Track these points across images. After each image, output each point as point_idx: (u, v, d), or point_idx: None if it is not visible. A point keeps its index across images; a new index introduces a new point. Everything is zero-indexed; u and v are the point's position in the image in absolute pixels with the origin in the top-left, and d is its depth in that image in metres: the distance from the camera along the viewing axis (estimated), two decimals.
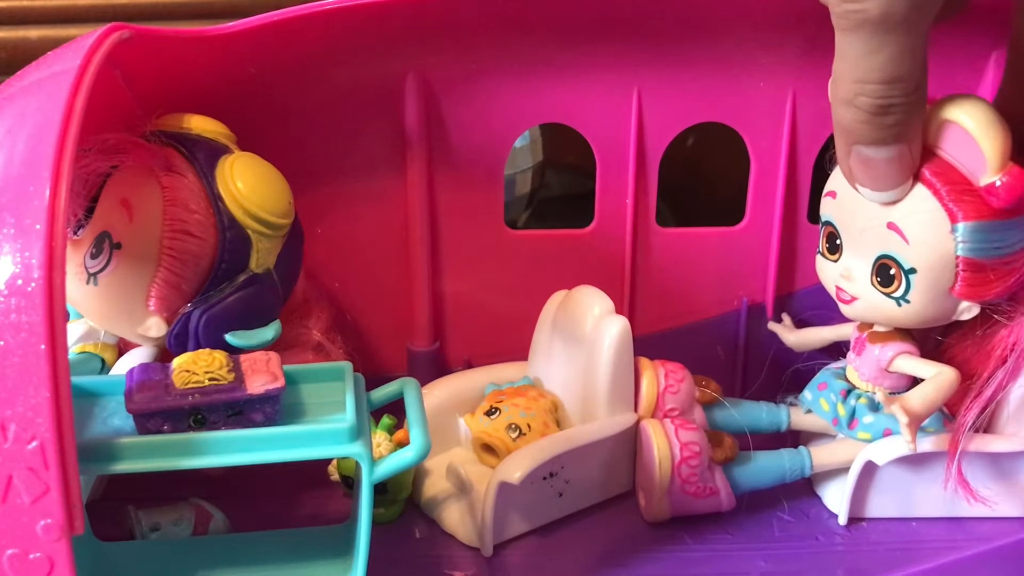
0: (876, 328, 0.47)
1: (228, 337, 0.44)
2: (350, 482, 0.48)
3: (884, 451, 0.46)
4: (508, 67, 0.51)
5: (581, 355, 0.49)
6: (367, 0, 0.46)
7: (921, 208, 0.43)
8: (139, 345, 0.46)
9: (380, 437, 0.48)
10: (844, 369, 0.49)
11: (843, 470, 0.48)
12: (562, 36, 0.51)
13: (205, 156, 0.44)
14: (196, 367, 0.37)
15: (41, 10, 0.69)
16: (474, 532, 0.47)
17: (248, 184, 0.44)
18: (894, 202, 0.43)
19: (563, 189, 0.76)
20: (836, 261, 0.47)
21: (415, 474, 0.49)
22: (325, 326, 0.50)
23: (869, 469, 0.47)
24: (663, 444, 0.47)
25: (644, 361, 0.50)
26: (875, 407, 0.48)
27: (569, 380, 0.51)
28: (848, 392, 0.48)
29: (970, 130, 0.41)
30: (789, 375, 0.53)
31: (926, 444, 0.46)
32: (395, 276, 0.55)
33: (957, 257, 0.43)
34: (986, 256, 0.42)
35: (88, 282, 0.43)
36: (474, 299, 0.56)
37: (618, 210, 0.55)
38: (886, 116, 0.39)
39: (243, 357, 0.39)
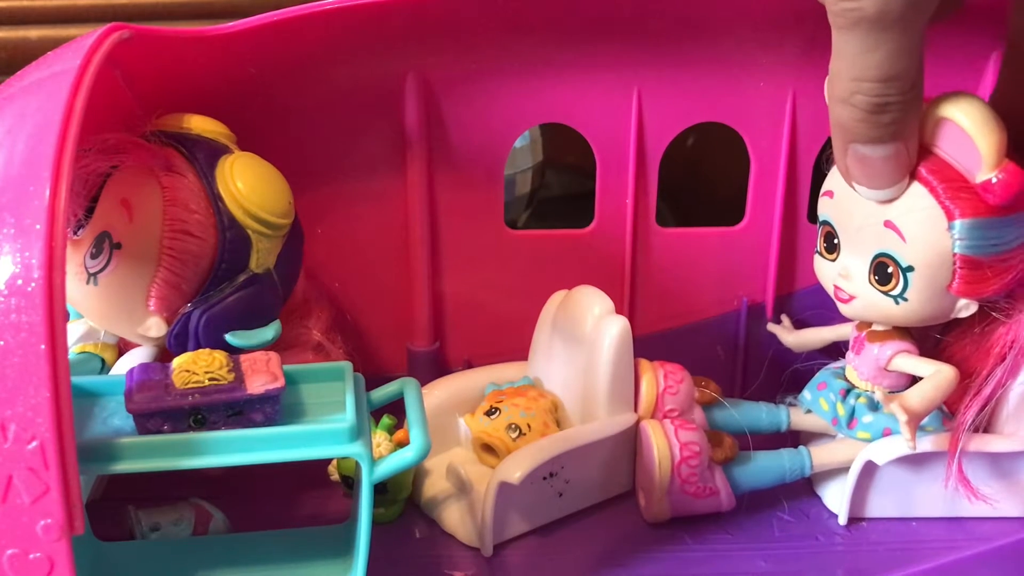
0: (875, 327, 0.47)
1: (228, 337, 0.44)
2: (350, 482, 0.48)
3: (884, 451, 0.46)
4: (508, 67, 0.51)
5: (581, 355, 0.49)
6: (367, 0, 0.46)
7: (918, 206, 0.43)
8: (139, 345, 0.46)
9: (380, 437, 0.48)
10: (843, 369, 0.49)
11: (843, 470, 0.48)
12: (562, 36, 0.51)
13: (205, 156, 0.44)
14: (196, 367, 0.37)
15: (41, 10, 0.69)
16: (474, 532, 0.47)
17: (248, 184, 0.44)
18: (891, 200, 0.43)
19: (563, 189, 0.76)
20: (834, 260, 0.47)
21: (415, 474, 0.49)
22: (325, 326, 0.50)
23: (869, 469, 0.47)
24: (663, 444, 0.47)
25: (643, 362, 0.50)
26: (874, 406, 0.48)
27: (569, 380, 0.51)
28: (847, 392, 0.48)
29: (966, 128, 0.41)
30: (788, 375, 0.53)
31: (926, 443, 0.46)
32: (395, 276, 0.55)
33: (954, 254, 0.43)
34: (983, 253, 0.42)
35: (88, 282, 0.43)
36: (474, 299, 0.56)
37: (618, 210, 0.55)
38: (883, 114, 0.39)
39: (243, 357, 0.39)
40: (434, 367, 0.56)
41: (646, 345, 0.52)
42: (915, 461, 0.47)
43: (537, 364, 0.53)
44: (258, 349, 0.42)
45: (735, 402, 0.52)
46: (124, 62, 0.43)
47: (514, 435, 0.48)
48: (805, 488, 0.51)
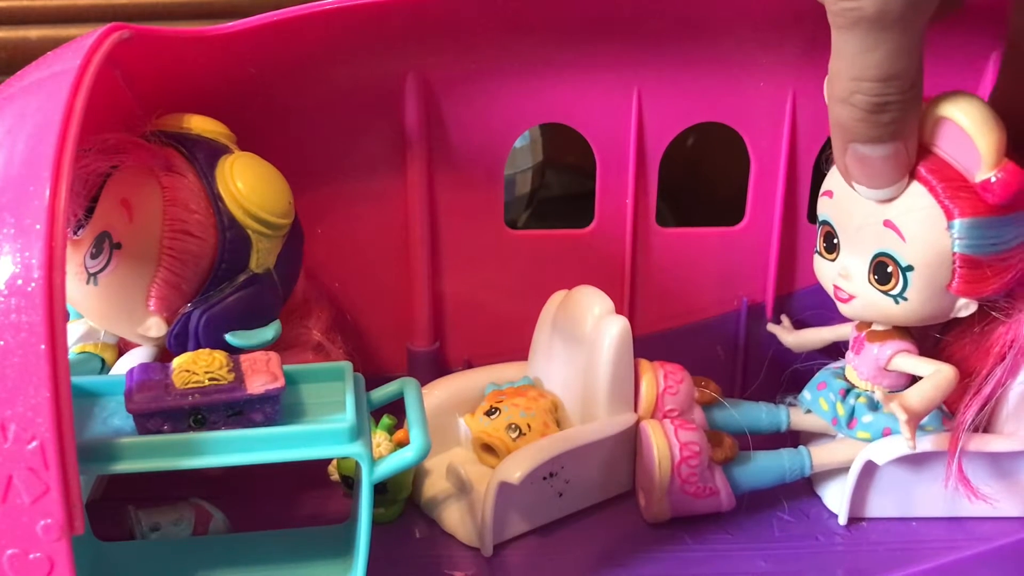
0: (874, 327, 0.47)
1: (228, 337, 0.44)
2: (350, 482, 0.48)
3: (884, 451, 0.46)
4: (508, 67, 0.51)
5: (581, 355, 0.49)
6: (367, 0, 0.46)
7: (917, 205, 0.43)
8: (139, 345, 0.46)
9: (380, 437, 0.48)
10: (843, 369, 0.49)
11: (843, 470, 0.48)
12: (562, 36, 0.51)
13: (205, 156, 0.44)
14: (196, 367, 0.37)
15: (41, 10, 0.69)
16: (474, 532, 0.47)
17: (248, 184, 0.44)
18: (890, 200, 0.43)
19: (563, 189, 0.76)
20: (834, 260, 0.47)
21: (415, 474, 0.49)
22: (325, 326, 0.50)
23: (869, 469, 0.47)
24: (663, 444, 0.47)
25: (643, 363, 0.50)
26: (874, 406, 0.48)
27: (569, 380, 0.51)
28: (847, 391, 0.48)
29: (965, 127, 0.41)
30: (788, 375, 0.53)
31: (926, 443, 0.46)
32: (395, 276, 0.55)
33: (954, 254, 0.43)
34: (983, 252, 0.42)
35: (88, 282, 0.43)
36: (474, 299, 0.56)
37: (618, 210, 0.55)
38: (882, 114, 0.39)
39: (243, 357, 0.39)
40: (434, 367, 0.56)
41: (646, 345, 0.52)
42: (915, 461, 0.47)
43: (537, 364, 0.53)
44: (258, 349, 0.42)
45: (735, 402, 0.52)
46: (124, 62, 0.43)
47: (514, 435, 0.48)
48: (805, 488, 0.51)
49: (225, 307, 0.44)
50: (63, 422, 0.32)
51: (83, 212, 0.44)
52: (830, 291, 0.47)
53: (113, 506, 0.46)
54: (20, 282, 0.31)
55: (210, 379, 0.37)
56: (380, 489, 0.47)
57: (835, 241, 0.46)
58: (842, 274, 0.46)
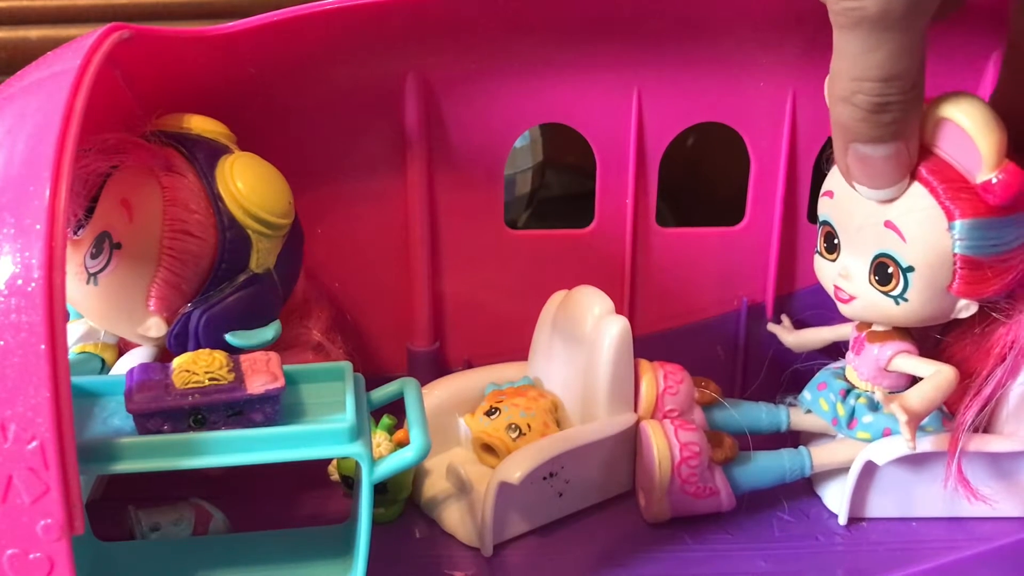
0: (875, 327, 0.47)
1: (228, 337, 0.44)
2: (350, 482, 0.48)
3: (884, 451, 0.46)
4: (508, 67, 0.51)
5: (581, 355, 0.49)
6: (367, 0, 0.46)
7: (918, 206, 0.43)
8: (139, 345, 0.46)
9: (380, 437, 0.48)
10: (843, 369, 0.49)
11: (843, 470, 0.48)
12: (562, 36, 0.51)
13: (205, 156, 0.44)
14: (196, 367, 0.37)
15: (41, 10, 0.69)
16: (474, 532, 0.47)
17: (248, 184, 0.44)
18: (891, 200, 0.43)
19: (563, 189, 0.76)
20: (834, 260, 0.47)
21: (415, 474, 0.49)
22: (325, 326, 0.50)
23: (869, 469, 0.47)
24: (663, 444, 0.47)
25: (643, 363, 0.50)
26: (874, 407, 0.48)
27: (569, 380, 0.51)
28: (847, 392, 0.48)
29: (966, 128, 0.41)
30: (788, 375, 0.53)
31: (926, 444, 0.46)
32: (395, 276, 0.55)
33: (954, 255, 0.43)
34: (983, 253, 0.42)
35: (88, 282, 0.43)
36: (474, 299, 0.56)
37: (618, 210, 0.55)
38: (883, 114, 0.39)
39: (243, 357, 0.39)
40: (434, 367, 0.56)
41: (646, 345, 0.52)
42: (915, 461, 0.47)
43: (537, 364, 0.53)
44: (258, 349, 0.42)
45: (735, 402, 0.52)
46: (124, 62, 0.43)
47: (514, 435, 0.48)
48: (805, 488, 0.51)
49: (225, 307, 0.44)
50: (63, 422, 0.32)
51: (83, 212, 0.44)
52: (830, 291, 0.47)
53: (113, 506, 0.46)
54: (20, 282, 0.31)
55: (210, 379, 0.37)
56: (380, 489, 0.47)
57: (836, 241, 0.46)
58: (842, 274, 0.46)
